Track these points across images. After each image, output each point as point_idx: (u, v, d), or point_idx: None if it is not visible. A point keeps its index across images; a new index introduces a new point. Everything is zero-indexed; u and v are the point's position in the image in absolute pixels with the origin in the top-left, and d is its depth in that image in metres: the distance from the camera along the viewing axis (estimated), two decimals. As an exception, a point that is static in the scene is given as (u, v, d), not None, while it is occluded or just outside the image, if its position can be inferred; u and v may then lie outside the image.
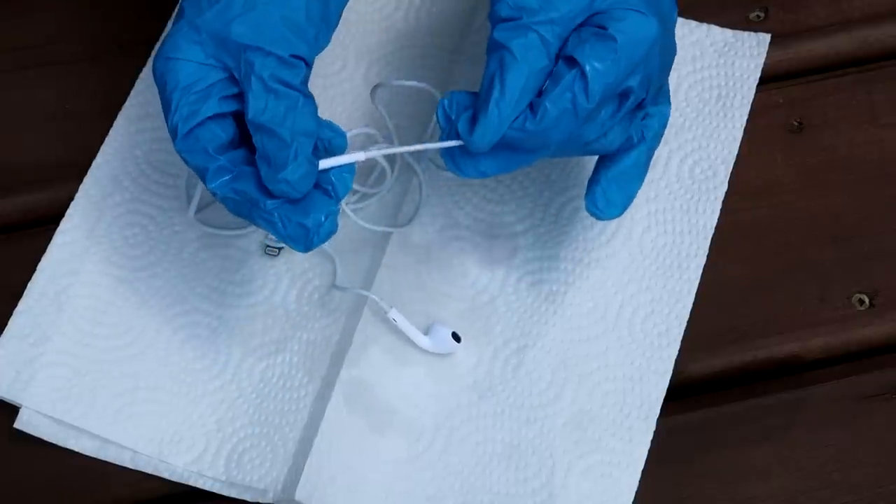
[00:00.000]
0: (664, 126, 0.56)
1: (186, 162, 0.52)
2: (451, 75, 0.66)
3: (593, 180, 0.56)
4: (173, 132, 0.52)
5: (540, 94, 0.51)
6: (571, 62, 0.51)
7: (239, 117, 0.53)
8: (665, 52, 0.54)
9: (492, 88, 0.51)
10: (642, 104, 0.54)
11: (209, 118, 0.52)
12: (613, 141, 0.54)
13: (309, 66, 0.53)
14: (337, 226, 0.52)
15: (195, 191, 0.62)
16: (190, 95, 0.52)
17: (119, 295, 0.61)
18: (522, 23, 0.51)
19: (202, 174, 0.52)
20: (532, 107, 0.51)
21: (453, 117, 0.52)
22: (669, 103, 0.57)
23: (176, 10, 0.54)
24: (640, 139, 0.55)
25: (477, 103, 0.51)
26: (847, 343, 0.61)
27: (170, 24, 0.67)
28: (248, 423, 0.59)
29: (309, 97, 0.52)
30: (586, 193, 0.56)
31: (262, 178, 0.51)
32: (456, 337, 0.59)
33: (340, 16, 0.55)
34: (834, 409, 0.59)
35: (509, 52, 0.51)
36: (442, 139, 0.53)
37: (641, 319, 0.61)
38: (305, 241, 0.51)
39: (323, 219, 0.51)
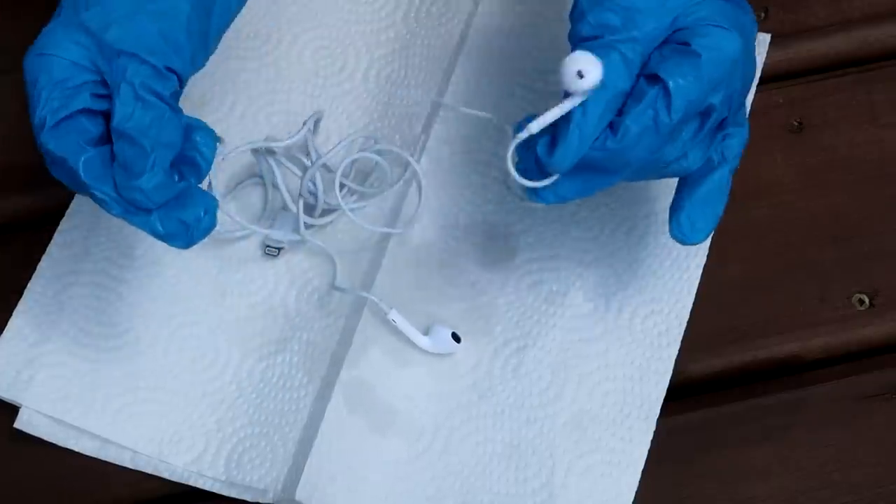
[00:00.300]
0: (744, 145, 0.55)
1: (51, 154, 0.51)
2: (450, 75, 0.66)
3: (677, 206, 0.55)
4: (40, 124, 0.51)
5: (620, 112, 0.51)
6: (654, 79, 0.50)
7: (107, 120, 0.52)
8: (747, 69, 0.53)
9: (573, 109, 0.50)
10: (723, 123, 0.53)
11: (79, 111, 0.51)
12: (694, 161, 0.53)
13: (182, 83, 0.52)
14: (216, 221, 0.52)
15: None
16: (61, 90, 0.51)
17: (119, 295, 0.61)
18: (604, 42, 0.50)
19: (73, 165, 0.50)
20: (612, 125, 0.50)
21: (531, 142, 0.51)
22: (747, 123, 0.56)
23: (57, 9, 0.54)
24: (721, 160, 0.54)
25: (558, 125, 0.51)
26: (847, 343, 0.61)
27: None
28: (248, 423, 0.59)
29: (177, 111, 0.51)
30: (670, 218, 0.55)
31: (118, 186, 0.50)
32: (456, 337, 0.59)
33: (219, 41, 0.54)
34: (834, 409, 0.59)
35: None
36: (519, 165, 0.52)
37: (641, 319, 0.61)
38: (185, 237, 0.51)
39: (202, 213, 0.51)
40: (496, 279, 0.62)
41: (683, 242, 0.55)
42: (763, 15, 0.68)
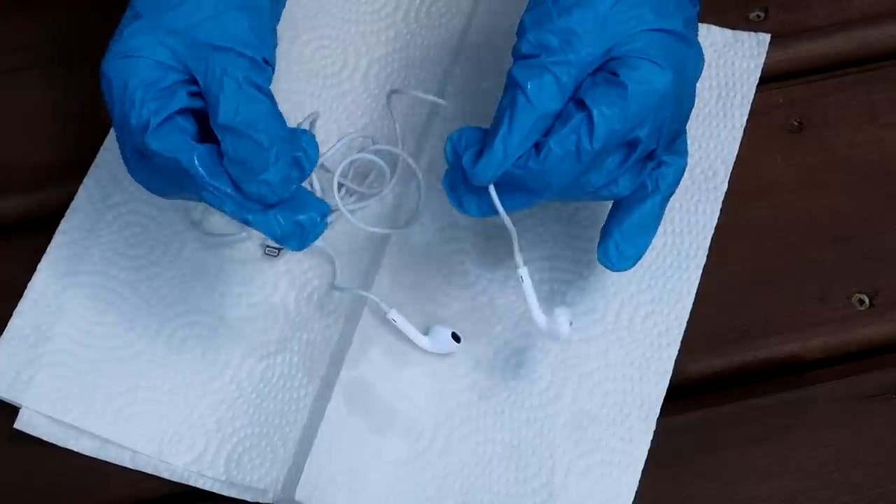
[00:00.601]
0: (680, 176, 0.56)
1: (159, 155, 0.51)
2: (450, 75, 0.66)
3: (606, 232, 0.56)
4: (143, 126, 0.51)
5: (548, 133, 0.51)
6: (581, 105, 0.51)
7: (199, 118, 0.52)
8: (680, 103, 0.53)
9: (500, 125, 0.51)
10: (653, 154, 0.54)
11: (177, 111, 0.51)
12: (624, 188, 0.54)
13: (273, 72, 0.53)
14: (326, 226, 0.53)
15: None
16: (155, 91, 0.51)
17: (119, 295, 0.61)
18: (540, 62, 0.51)
19: (185, 164, 0.50)
20: (537, 146, 0.51)
21: (460, 151, 0.52)
22: (686, 153, 0.56)
23: (128, 9, 0.54)
24: (655, 188, 0.55)
25: (487, 138, 0.51)
26: (847, 343, 0.61)
27: None
28: (248, 423, 0.59)
29: (276, 104, 0.52)
30: (599, 244, 0.56)
31: (237, 181, 0.50)
32: (456, 337, 0.59)
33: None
34: (834, 409, 0.59)
35: (522, 92, 0.51)
36: (448, 172, 0.53)
37: (641, 319, 0.61)
38: (300, 238, 0.51)
39: (318, 218, 0.51)
40: (496, 279, 0.62)
41: (610, 269, 0.56)
42: (763, 15, 0.68)
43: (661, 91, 0.51)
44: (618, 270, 0.56)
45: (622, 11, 0.52)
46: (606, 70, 0.52)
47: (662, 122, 0.52)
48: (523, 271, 0.56)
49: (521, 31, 0.52)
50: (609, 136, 0.51)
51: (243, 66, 0.51)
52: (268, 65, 0.52)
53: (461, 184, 0.53)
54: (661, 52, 0.52)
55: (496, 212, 0.52)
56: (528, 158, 0.51)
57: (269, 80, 0.52)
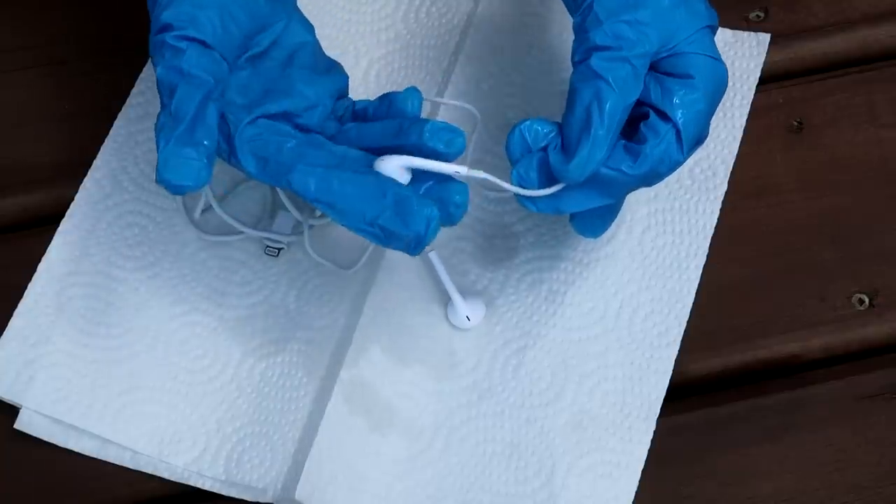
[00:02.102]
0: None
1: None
2: (450, 75, 0.66)
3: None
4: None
5: (631, 137, 0.52)
6: (664, 116, 0.52)
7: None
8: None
9: (590, 119, 0.51)
10: None
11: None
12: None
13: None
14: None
15: (199, 200, 0.62)
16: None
17: (119, 295, 0.61)
18: (622, 55, 0.51)
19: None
20: (628, 150, 0.52)
21: (532, 146, 0.52)
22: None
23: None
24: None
25: (568, 133, 0.52)
26: (847, 343, 0.61)
27: None
28: (247, 423, 0.59)
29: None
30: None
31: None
32: (468, 318, 0.60)
33: None
34: (834, 409, 0.59)
35: (607, 84, 0.51)
36: (516, 169, 0.53)
37: (641, 319, 0.61)
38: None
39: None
40: (496, 279, 0.62)
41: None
42: (763, 15, 0.68)
43: (724, 86, 0.53)
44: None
45: (678, 5, 0.52)
46: (663, 68, 0.52)
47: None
48: (433, 254, 0.59)
49: (591, 24, 0.52)
50: (694, 142, 0.52)
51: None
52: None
53: (536, 182, 0.53)
54: (713, 47, 0.53)
55: (574, 209, 0.53)
56: (622, 161, 0.52)
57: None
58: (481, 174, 0.52)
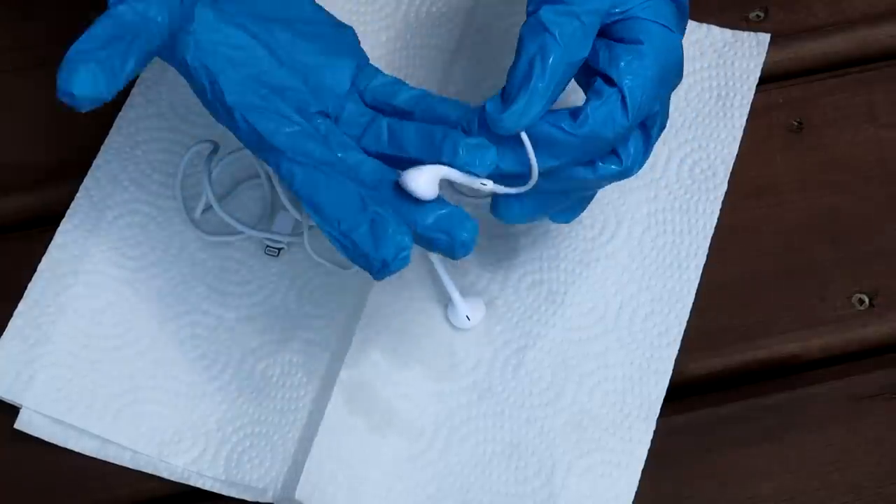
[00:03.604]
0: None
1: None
2: (450, 75, 0.66)
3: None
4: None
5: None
6: (608, 80, 0.51)
7: None
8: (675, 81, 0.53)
9: (532, 71, 0.49)
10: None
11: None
12: (636, 169, 0.53)
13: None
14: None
15: (199, 199, 0.62)
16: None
17: (119, 295, 0.61)
18: (572, 10, 0.50)
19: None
20: (572, 114, 0.51)
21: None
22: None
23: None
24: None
25: (509, 83, 0.50)
26: (847, 343, 0.61)
27: None
28: (247, 423, 0.59)
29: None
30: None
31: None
32: (468, 318, 0.60)
33: None
34: (834, 409, 0.59)
35: (553, 38, 0.49)
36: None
37: (641, 319, 0.61)
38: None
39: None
40: (496, 279, 0.62)
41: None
42: (763, 15, 0.68)
43: (677, 58, 0.51)
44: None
45: None
46: (615, 33, 0.51)
47: (666, 95, 0.52)
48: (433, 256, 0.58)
49: None
50: (639, 109, 0.50)
51: None
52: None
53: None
54: (669, 16, 0.51)
55: (535, 213, 0.53)
56: (562, 120, 0.50)
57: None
58: (502, 188, 0.51)
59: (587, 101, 0.51)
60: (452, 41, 0.67)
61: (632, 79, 0.50)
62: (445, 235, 0.50)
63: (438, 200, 0.51)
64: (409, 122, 0.54)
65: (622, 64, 0.50)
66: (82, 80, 0.49)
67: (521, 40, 0.51)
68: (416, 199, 0.51)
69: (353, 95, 0.55)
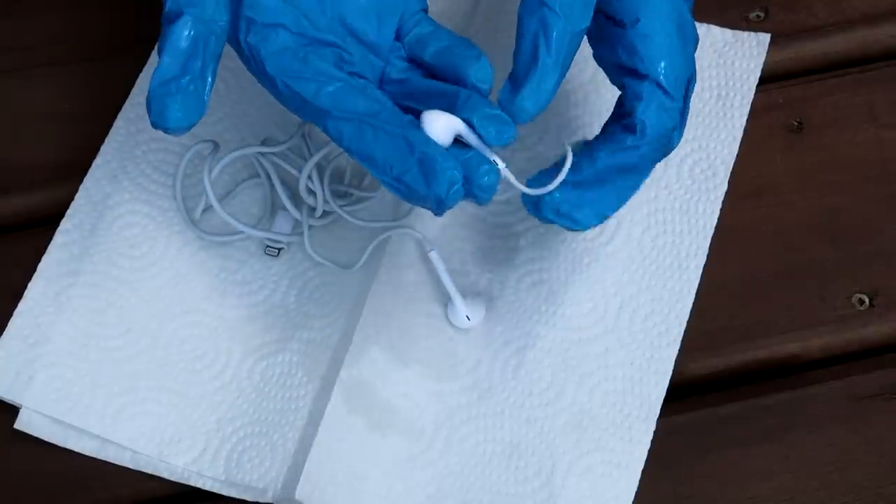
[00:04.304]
0: None
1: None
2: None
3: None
4: None
5: (623, 116, 0.51)
6: (636, 73, 0.51)
7: None
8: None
9: (537, 49, 0.49)
10: None
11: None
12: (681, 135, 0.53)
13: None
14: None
15: (199, 199, 0.62)
16: None
17: (119, 295, 0.61)
18: None
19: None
20: (625, 127, 0.51)
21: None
22: None
23: None
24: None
25: (516, 68, 0.50)
26: (847, 343, 0.61)
27: None
28: (247, 423, 0.59)
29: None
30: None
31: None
32: (468, 318, 0.59)
33: None
34: (834, 409, 0.59)
35: (552, 10, 0.49)
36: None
37: (641, 319, 0.61)
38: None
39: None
40: (496, 279, 0.62)
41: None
42: (763, 15, 0.68)
43: (685, 17, 0.52)
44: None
45: None
46: (612, 11, 0.51)
47: (692, 53, 0.53)
48: (433, 254, 0.58)
49: None
50: (681, 84, 0.51)
51: None
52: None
53: (557, 194, 0.52)
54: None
55: (612, 205, 0.53)
56: (624, 140, 0.51)
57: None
58: (514, 181, 0.51)
59: (633, 108, 0.51)
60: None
61: (660, 62, 0.50)
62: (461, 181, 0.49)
63: (457, 147, 0.50)
64: (434, 82, 0.53)
65: (641, 50, 0.50)
66: (175, 115, 0.50)
67: (520, 21, 0.50)
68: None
69: (395, 50, 0.55)
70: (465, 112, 0.50)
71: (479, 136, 0.50)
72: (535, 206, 0.53)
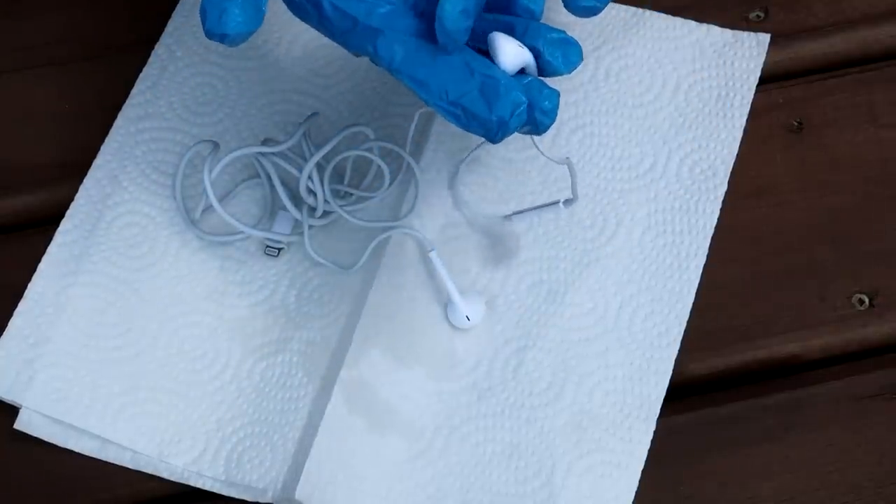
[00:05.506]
0: None
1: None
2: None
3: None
4: None
5: None
6: None
7: None
8: None
9: None
10: None
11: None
12: None
13: None
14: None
15: (199, 199, 0.62)
16: None
17: (119, 295, 0.61)
18: None
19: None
20: None
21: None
22: None
23: None
24: None
25: None
26: (847, 343, 0.61)
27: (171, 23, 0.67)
28: (247, 423, 0.59)
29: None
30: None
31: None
32: (468, 318, 0.59)
33: None
34: (834, 409, 0.59)
35: None
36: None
37: (641, 319, 0.61)
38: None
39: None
40: (496, 279, 0.62)
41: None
42: (763, 15, 0.68)
43: None
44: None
45: None
46: None
47: None
48: (433, 254, 0.58)
49: None
50: None
51: None
52: None
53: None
54: None
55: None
56: None
57: None
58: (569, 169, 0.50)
59: None
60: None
61: None
62: (527, 104, 0.49)
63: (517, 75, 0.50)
64: (489, 15, 0.52)
65: None
66: (235, 20, 0.49)
67: None
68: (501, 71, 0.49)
69: None
70: (529, 39, 0.49)
71: (548, 63, 0.49)
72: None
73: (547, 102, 0.49)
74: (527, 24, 0.50)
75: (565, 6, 0.54)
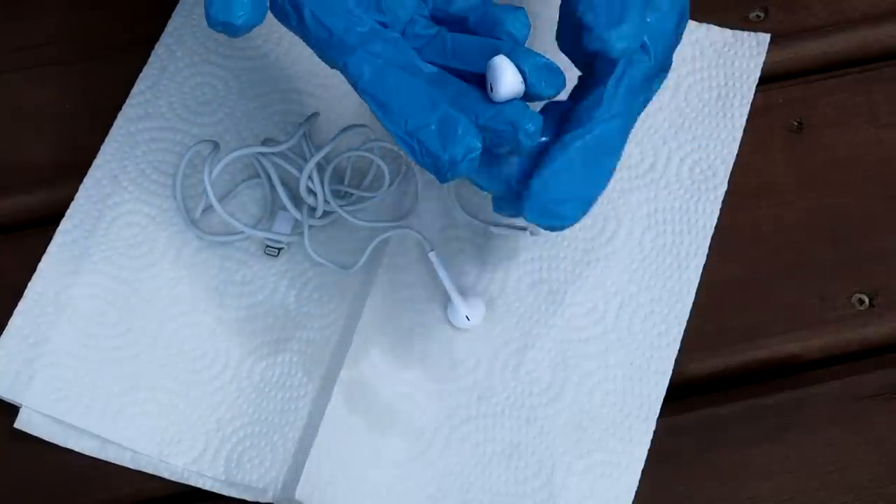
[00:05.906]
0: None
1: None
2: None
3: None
4: None
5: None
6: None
7: None
8: None
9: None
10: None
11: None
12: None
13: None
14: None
15: (199, 199, 0.62)
16: None
17: (119, 295, 0.61)
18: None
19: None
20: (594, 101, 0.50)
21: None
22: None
23: None
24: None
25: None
26: (847, 343, 0.61)
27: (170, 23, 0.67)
28: (247, 423, 0.59)
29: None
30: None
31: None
32: (468, 318, 0.59)
33: None
34: (834, 409, 0.59)
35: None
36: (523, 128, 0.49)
37: (641, 319, 0.61)
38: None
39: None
40: (496, 279, 0.62)
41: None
42: (763, 15, 0.68)
43: None
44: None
45: None
46: None
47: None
48: (433, 255, 0.59)
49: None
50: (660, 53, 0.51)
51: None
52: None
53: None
54: None
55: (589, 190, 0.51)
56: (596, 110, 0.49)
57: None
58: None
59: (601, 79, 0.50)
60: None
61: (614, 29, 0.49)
62: (510, 126, 0.48)
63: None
64: (473, 36, 0.52)
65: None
66: (241, 9, 0.48)
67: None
68: (481, 93, 0.49)
69: (420, 7, 0.53)
70: (514, 63, 0.49)
71: (532, 86, 0.49)
72: (513, 205, 0.51)
73: (531, 125, 0.48)
74: (511, 48, 0.50)
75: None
